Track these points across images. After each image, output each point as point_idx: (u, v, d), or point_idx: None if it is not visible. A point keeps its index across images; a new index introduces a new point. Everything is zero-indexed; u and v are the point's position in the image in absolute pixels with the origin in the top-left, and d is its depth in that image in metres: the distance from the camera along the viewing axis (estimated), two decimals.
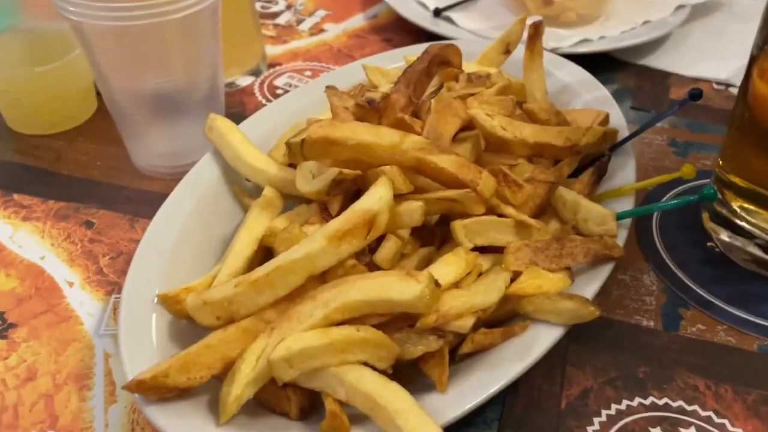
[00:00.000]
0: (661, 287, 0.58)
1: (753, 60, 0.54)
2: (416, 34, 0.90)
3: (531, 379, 0.51)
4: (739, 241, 0.58)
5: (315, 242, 0.45)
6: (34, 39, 0.74)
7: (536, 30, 0.61)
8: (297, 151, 0.49)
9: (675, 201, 0.52)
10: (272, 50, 0.91)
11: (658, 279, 0.59)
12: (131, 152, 0.71)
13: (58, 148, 0.74)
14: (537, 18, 0.63)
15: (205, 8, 0.60)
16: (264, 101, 0.81)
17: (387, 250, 0.48)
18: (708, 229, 0.61)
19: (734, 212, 0.58)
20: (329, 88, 0.56)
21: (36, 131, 0.76)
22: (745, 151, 0.57)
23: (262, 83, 0.84)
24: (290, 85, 0.84)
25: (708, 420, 0.49)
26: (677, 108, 0.57)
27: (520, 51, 0.65)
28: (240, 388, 0.43)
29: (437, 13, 0.90)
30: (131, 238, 0.63)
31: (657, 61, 0.86)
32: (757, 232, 0.57)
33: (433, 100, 0.56)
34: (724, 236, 0.60)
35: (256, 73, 0.84)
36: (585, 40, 0.84)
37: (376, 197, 0.46)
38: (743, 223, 0.58)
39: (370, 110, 0.54)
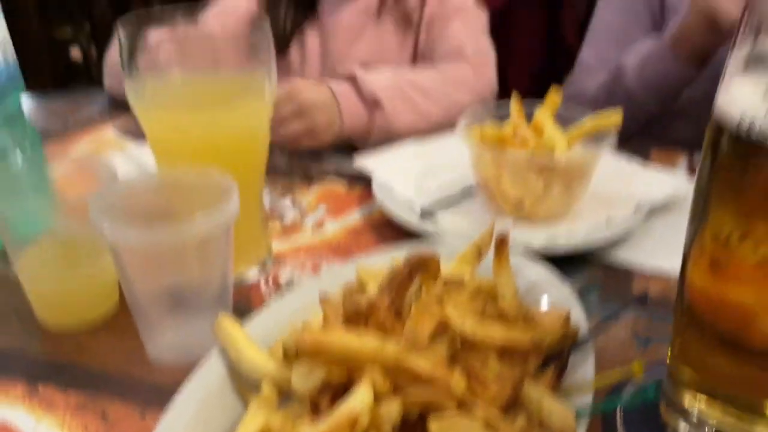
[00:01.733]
0: None
1: (686, 256, 0.59)
2: (407, 230, 1.01)
3: None
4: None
5: None
6: (68, 243, 0.84)
7: (502, 242, 0.71)
8: (292, 355, 0.58)
9: (615, 401, 0.57)
10: (278, 246, 1.02)
11: None
12: (146, 344, 0.78)
13: (80, 342, 0.82)
14: (506, 226, 0.73)
15: (221, 226, 0.71)
16: (269, 295, 0.90)
17: None
18: (666, 420, 0.66)
19: (688, 402, 0.63)
20: (323, 301, 0.66)
21: (62, 327, 0.83)
22: (689, 340, 0.61)
23: (267, 277, 0.93)
24: (293, 279, 0.93)
25: None
26: (619, 311, 0.65)
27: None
28: None
29: (423, 215, 1.02)
30: (142, 429, 0.69)
31: (621, 255, 0.95)
32: (710, 422, 0.61)
33: (413, 305, 0.65)
34: (681, 427, 0.65)
35: (262, 269, 0.94)
36: (554, 239, 0.94)
37: (358, 400, 0.53)
38: (696, 413, 0.62)
39: (357, 315, 0.63)
